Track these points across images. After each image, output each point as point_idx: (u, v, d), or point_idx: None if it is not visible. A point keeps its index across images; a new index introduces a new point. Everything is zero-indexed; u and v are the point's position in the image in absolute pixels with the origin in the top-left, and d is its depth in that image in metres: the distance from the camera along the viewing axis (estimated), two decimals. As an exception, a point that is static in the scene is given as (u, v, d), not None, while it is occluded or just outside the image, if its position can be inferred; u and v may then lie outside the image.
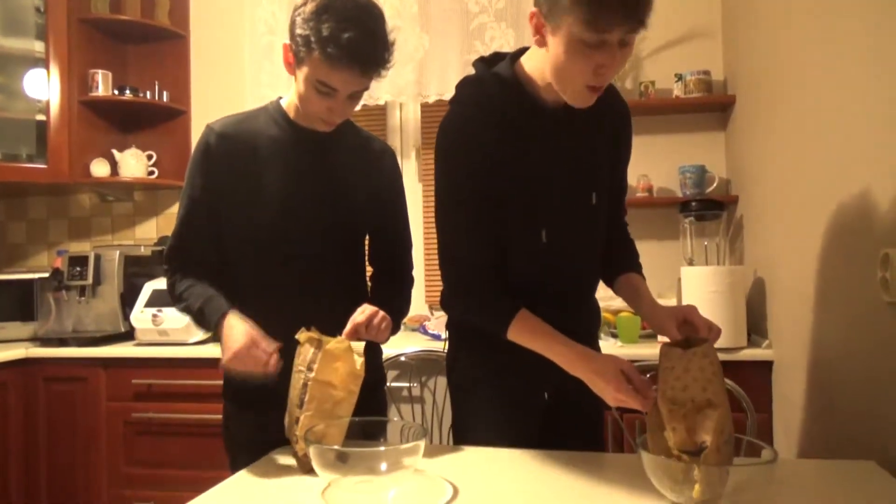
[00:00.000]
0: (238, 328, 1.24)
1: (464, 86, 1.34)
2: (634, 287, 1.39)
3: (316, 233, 1.41)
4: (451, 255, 1.32)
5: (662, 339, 1.23)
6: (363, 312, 1.26)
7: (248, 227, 1.38)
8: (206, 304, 1.32)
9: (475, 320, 1.33)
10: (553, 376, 1.31)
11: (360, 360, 1.20)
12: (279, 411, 1.26)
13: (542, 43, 1.18)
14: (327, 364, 1.18)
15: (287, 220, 1.38)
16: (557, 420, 1.42)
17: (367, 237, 1.55)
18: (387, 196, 1.52)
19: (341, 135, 1.44)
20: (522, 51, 1.33)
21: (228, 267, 1.42)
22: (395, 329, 1.36)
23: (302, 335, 1.21)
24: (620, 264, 1.44)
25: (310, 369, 1.18)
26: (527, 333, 1.25)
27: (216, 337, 1.31)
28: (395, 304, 1.45)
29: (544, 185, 1.30)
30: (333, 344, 1.19)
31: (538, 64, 1.24)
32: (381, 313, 1.27)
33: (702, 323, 1.18)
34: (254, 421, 1.40)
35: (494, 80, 1.28)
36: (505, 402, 1.36)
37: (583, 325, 1.43)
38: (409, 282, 1.57)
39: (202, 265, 1.41)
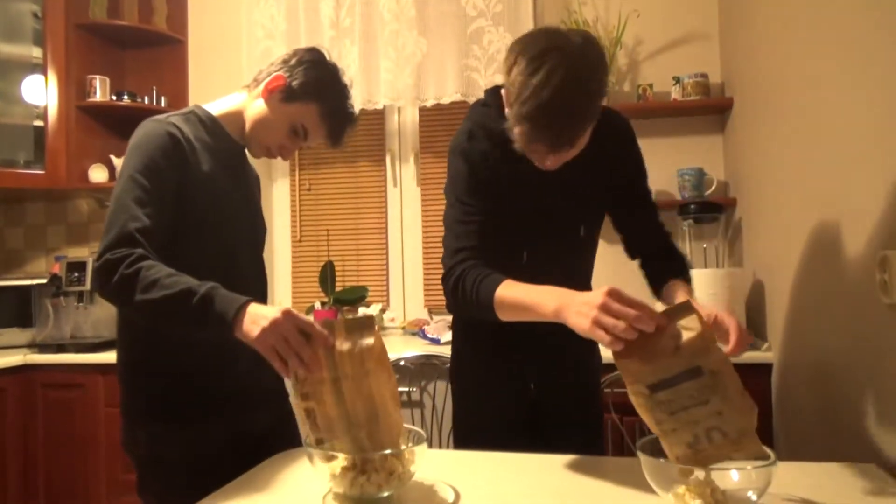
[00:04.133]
0: (272, 309, 1.08)
1: (475, 107, 1.44)
2: (669, 294, 1.35)
3: (245, 244, 1.45)
4: (449, 239, 1.35)
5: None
6: None
7: (202, 228, 1.32)
8: (215, 294, 1.11)
9: (465, 282, 1.27)
10: (537, 369, 1.47)
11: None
12: (216, 420, 1.31)
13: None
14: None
15: (232, 229, 1.39)
16: (547, 415, 1.49)
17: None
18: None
19: (245, 154, 1.49)
20: None
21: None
22: None
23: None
24: (662, 275, 1.41)
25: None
26: (516, 287, 1.20)
27: (223, 331, 1.09)
28: None
29: (533, 213, 1.38)
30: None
31: None
32: None
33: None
34: (190, 436, 1.31)
35: (498, 108, 1.34)
36: (491, 390, 1.46)
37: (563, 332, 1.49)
38: None
39: (159, 253, 1.20)
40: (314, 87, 1.37)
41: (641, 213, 1.49)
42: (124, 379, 1.36)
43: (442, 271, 1.34)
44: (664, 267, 1.43)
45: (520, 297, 1.18)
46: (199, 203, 1.31)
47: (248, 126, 1.41)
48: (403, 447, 1.06)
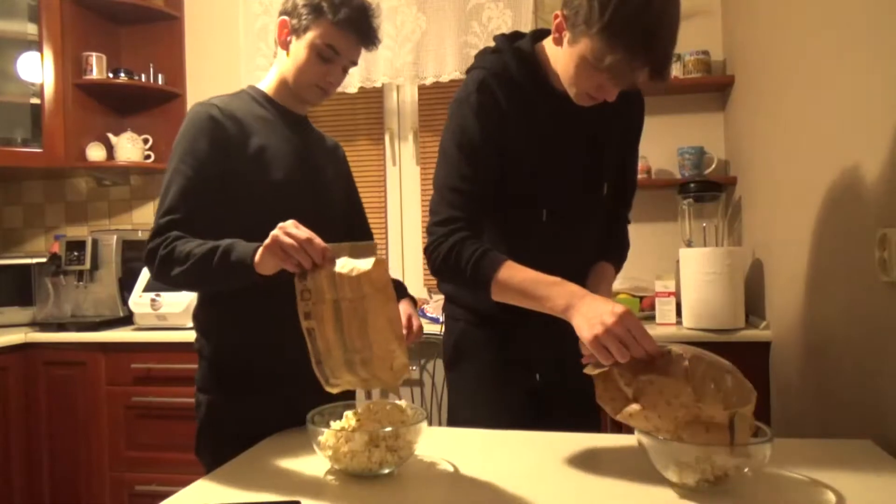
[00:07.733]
0: None
1: (483, 54, 1.36)
2: (593, 274, 1.37)
3: (310, 213, 1.37)
4: (439, 205, 1.29)
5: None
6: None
7: (254, 202, 1.35)
8: (234, 246, 1.20)
9: (460, 263, 1.23)
10: (545, 356, 1.37)
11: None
12: (272, 396, 1.33)
13: (558, 42, 1.22)
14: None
15: (288, 199, 1.38)
16: (549, 402, 1.41)
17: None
18: (350, 184, 1.64)
19: (308, 122, 1.53)
20: (544, 32, 1.33)
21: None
22: None
23: None
24: (602, 254, 1.42)
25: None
26: (522, 272, 1.18)
27: (247, 275, 1.17)
28: None
29: (551, 169, 1.32)
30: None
31: (554, 53, 1.27)
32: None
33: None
34: (244, 410, 1.35)
35: (514, 54, 1.31)
36: (494, 380, 1.38)
37: None
38: None
39: (209, 229, 1.28)
40: (313, 7, 1.38)
41: (620, 192, 1.45)
42: (197, 348, 1.43)
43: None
44: (606, 248, 1.43)
45: (526, 285, 1.16)
46: (248, 176, 1.35)
47: (290, 82, 1.43)
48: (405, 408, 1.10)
